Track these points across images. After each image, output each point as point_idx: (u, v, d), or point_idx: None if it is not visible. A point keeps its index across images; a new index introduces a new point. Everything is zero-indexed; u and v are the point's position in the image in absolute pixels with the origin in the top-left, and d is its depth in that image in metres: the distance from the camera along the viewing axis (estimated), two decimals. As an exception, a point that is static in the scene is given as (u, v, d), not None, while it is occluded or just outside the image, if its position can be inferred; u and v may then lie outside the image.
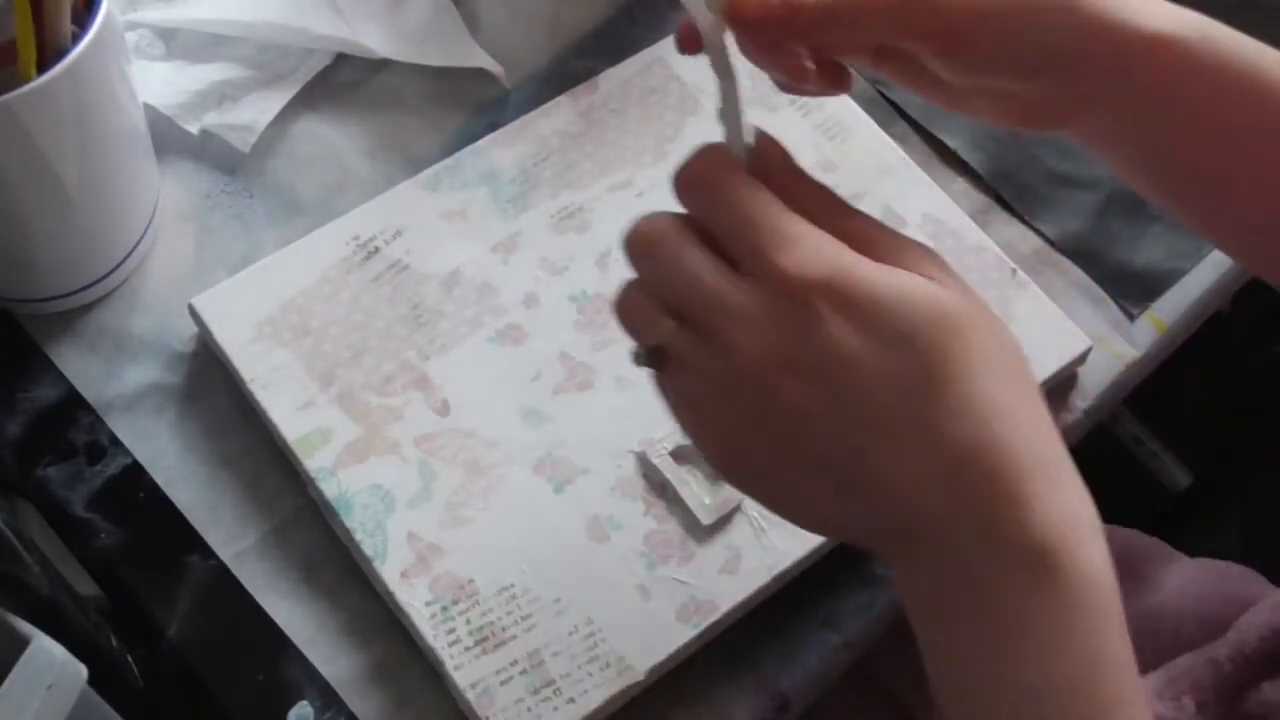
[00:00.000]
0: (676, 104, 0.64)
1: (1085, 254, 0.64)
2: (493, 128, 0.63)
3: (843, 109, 0.64)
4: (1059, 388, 0.60)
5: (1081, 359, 0.60)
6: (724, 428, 0.41)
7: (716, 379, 0.41)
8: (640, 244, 0.42)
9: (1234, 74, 0.46)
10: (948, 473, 0.39)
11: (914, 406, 0.39)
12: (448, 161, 0.62)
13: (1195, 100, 0.46)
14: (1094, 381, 0.61)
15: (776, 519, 0.45)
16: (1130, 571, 0.70)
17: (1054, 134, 0.50)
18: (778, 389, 0.39)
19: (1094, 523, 0.40)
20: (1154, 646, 0.64)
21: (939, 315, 0.39)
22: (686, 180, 0.41)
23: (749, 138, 0.42)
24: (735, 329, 0.40)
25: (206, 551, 0.55)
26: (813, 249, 0.40)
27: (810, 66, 0.47)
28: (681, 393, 0.42)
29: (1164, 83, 0.46)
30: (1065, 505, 0.40)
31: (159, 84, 0.63)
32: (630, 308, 0.42)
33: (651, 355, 0.42)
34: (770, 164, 0.42)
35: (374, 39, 0.65)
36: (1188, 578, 0.69)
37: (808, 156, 0.63)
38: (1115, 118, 0.47)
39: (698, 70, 0.64)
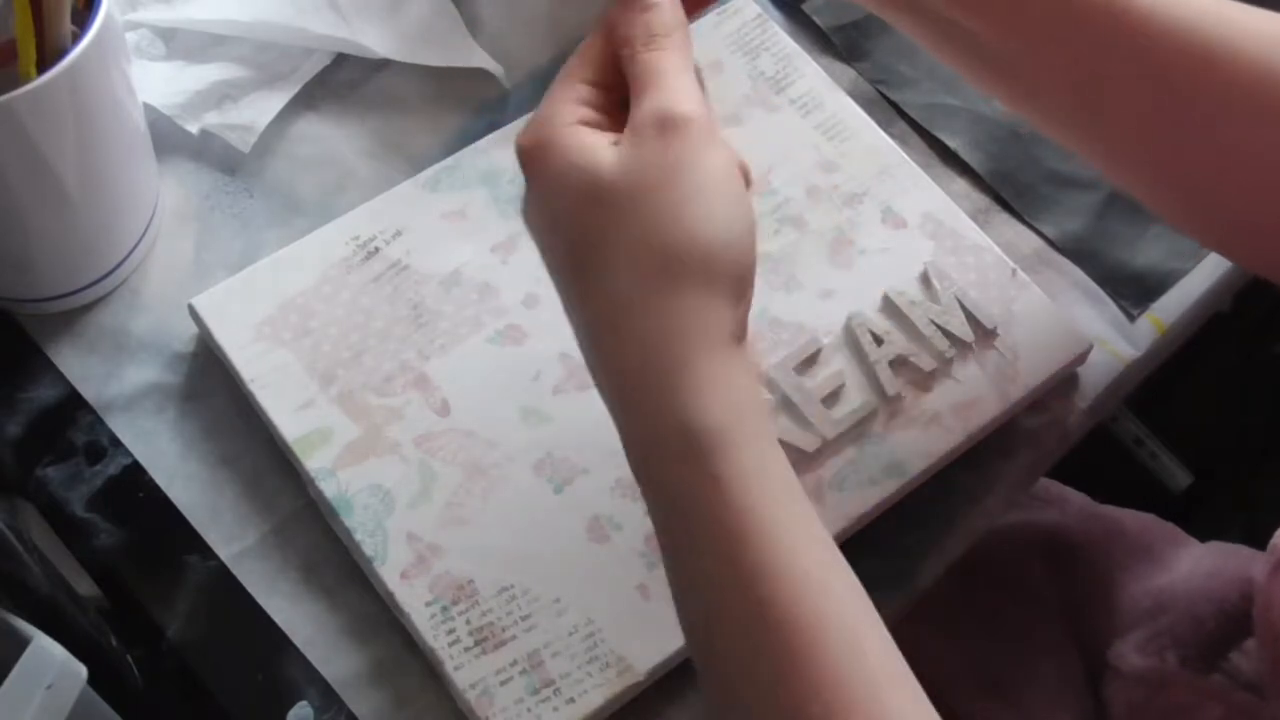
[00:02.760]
0: (676, 104, 0.64)
1: (1085, 254, 0.64)
2: (493, 128, 0.63)
3: (843, 109, 0.64)
4: (1059, 388, 0.60)
5: (1081, 359, 0.60)
6: None
7: None
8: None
9: None
10: (597, 354, 0.44)
11: (566, 285, 0.44)
12: (448, 161, 0.62)
13: None
14: (1094, 381, 0.61)
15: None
16: (1148, 554, 0.71)
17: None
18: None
19: (754, 409, 0.43)
20: (1167, 620, 0.65)
21: (590, 200, 0.42)
22: None
23: None
24: None
25: (206, 551, 0.55)
26: (544, 116, 0.44)
27: None
28: None
29: None
30: (723, 394, 0.42)
31: (159, 84, 0.63)
32: None
33: None
34: None
35: (374, 39, 0.65)
36: (1198, 559, 0.70)
37: (808, 156, 0.63)
38: None
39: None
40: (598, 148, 0.43)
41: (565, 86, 0.45)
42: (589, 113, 0.44)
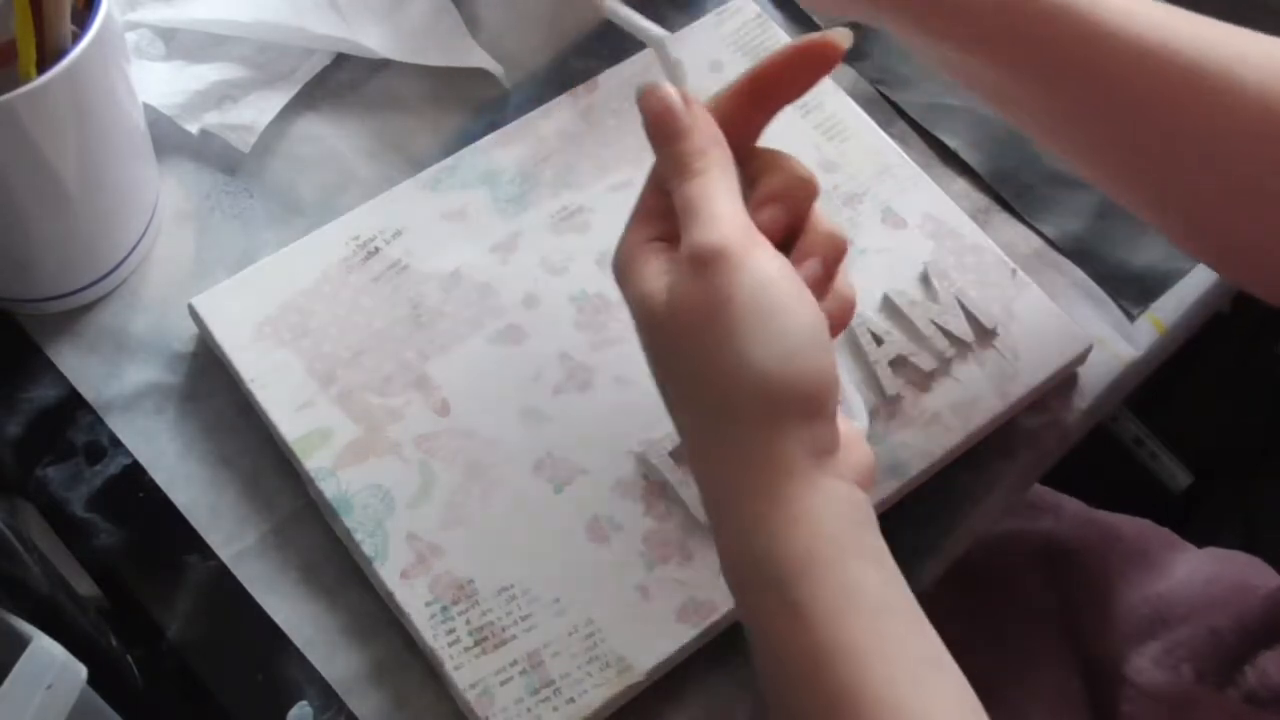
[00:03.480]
0: (676, 104, 0.64)
1: (1085, 254, 0.64)
2: (493, 128, 0.63)
3: (843, 109, 0.64)
4: (1059, 388, 0.60)
5: (1081, 359, 0.60)
6: None
7: None
8: None
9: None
10: (691, 471, 0.45)
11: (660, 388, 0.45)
12: (448, 161, 0.62)
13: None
14: (1094, 381, 0.61)
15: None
16: (1145, 560, 0.71)
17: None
18: None
19: (843, 527, 0.42)
20: (1184, 632, 0.65)
21: (650, 330, 0.44)
22: None
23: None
24: None
25: (206, 551, 0.55)
26: (625, 235, 0.45)
27: None
28: None
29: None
30: (802, 523, 0.41)
31: (159, 84, 0.63)
32: None
33: None
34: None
35: (374, 39, 0.65)
36: (1195, 565, 0.70)
37: (808, 156, 0.62)
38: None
39: (699, 71, 0.64)
40: (655, 278, 0.43)
41: (643, 197, 0.46)
42: (660, 227, 0.45)
